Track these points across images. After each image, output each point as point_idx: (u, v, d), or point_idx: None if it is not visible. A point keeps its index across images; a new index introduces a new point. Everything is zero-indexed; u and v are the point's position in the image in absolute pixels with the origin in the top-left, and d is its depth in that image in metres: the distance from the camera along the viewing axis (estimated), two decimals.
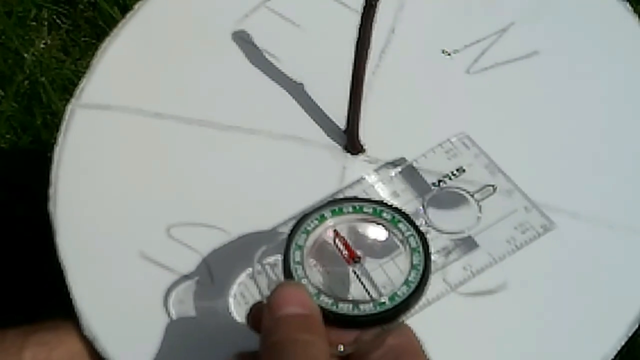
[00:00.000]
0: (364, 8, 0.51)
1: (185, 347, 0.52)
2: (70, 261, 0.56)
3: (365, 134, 0.58)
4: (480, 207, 0.53)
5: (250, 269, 0.49)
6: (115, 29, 0.64)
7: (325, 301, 0.45)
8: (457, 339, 0.52)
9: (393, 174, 0.54)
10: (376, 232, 0.49)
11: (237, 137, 0.59)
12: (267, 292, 0.45)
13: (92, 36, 1.25)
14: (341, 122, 0.58)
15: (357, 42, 0.53)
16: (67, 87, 1.17)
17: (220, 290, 0.52)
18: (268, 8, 0.64)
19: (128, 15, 0.65)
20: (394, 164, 0.56)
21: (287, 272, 0.47)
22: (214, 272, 0.54)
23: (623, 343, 0.52)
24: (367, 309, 0.46)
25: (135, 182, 0.58)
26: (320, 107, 0.59)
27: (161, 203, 0.57)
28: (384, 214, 0.49)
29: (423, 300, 0.47)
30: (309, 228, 0.48)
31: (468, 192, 0.53)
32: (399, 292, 0.46)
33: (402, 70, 0.61)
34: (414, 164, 0.55)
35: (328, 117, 0.59)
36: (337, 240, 0.49)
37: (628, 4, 0.63)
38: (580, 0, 0.64)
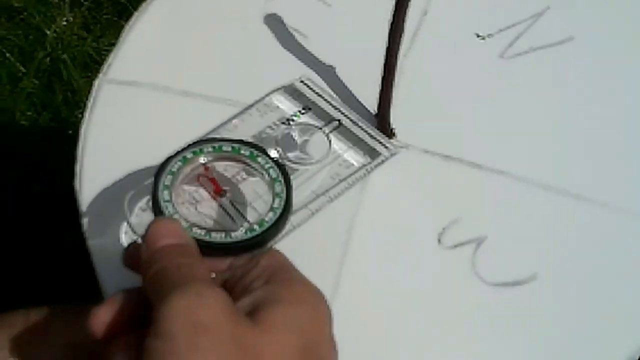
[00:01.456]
0: None
1: None
2: (95, 239, 0.55)
3: (396, 118, 0.56)
4: (330, 140, 0.55)
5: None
6: (143, 4, 0.63)
7: (198, 232, 0.48)
8: (488, 328, 0.51)
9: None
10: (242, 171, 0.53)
11: None
12: (141, 233, 0.47)
13: (113, 14, 1.25)
14: (372, 105, 0.57)
15: (390, 28, 0.52)
16: (89, 64, 1.17)
17: None
18: None
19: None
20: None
21: (158, 211, 0.49)
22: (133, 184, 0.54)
23: None
24: (238, 236, 0.49)
25: (160, 158, 0.57)
26: (351, 90, 0.58)
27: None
28: (242, 151, 0.52)
29: (289, 225, 0.50)
30: (173, 169, 0.51)
31: (317, 127, 0.55)
32: (266, 219, 0.49)
33: (434, 54, 0.60)
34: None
35: (359, 101, 0.58)
36: (201, 178, 0.52)
37: None
38: None
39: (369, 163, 0.53)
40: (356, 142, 0.54)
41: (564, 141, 0.56)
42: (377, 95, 0.56)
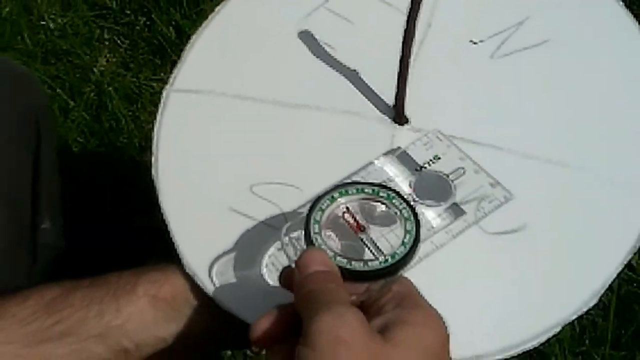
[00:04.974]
0: (411, 4, 0.62)
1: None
2: (171, 216, 0.66)
3: (409, 109, 0.68)
4: (454, 185, 0.64)
5: (278, 243, 0.61)
6: (200, 28, 0.75)
7: (341, 261, 0.56)
8: (489, 268, 0.63)
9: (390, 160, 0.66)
10: (377, 208, 0.61)
11: (305, 113, 0.70)
12: (294, 259, 0.55)
13: (148, 53, 1.37)
14: (389, 99, 0.68)
15: (404, 36, 0.64)
16: (130, 96, 1.28)
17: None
18: (326, 8, 0.75)
19: (210, 17, 0.76)
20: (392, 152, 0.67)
21: (309, 241, 0.57)
22: (288, 218, 0.64)
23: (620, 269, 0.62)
24: (374, 265, 0.57)
25: (221, 151, 0.69)
26: (372, 88, 0.70)
27: (244, 167, 0.67)
28: (381, 193, 0.60)
29: (416, 258, 0.59)
30: (322, 207, 0.59)
31: (444, 174, 0.64)
32: (397, 252, 0.57)
33: (438, 56, 0.72)
34: (407, 151, 0.66)
35: (378, 96, 0.70)
36: (346, 215, 0.59)
37: (622, 4, 0.74)
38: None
39: (485, 208, 0.63)
40: (476, 190, 0.64)
41: (544, 118, 0.68)
42: (394, 91, 0.68)
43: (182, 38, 1.37)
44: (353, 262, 0.57)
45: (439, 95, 0.70)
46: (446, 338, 0.53)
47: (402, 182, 0.64)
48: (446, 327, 0.53)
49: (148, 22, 1.42)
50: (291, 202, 0.65)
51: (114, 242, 1.04)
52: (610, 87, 0.70)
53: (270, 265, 0.63)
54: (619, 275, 0.63)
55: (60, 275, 0.67)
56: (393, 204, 0.60)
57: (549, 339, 0.62)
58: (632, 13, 0.73)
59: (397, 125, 0.69)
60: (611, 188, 0.65)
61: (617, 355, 1.10)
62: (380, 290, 0.56)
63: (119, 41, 1.40)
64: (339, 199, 0.60)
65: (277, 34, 0.74)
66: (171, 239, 0.66)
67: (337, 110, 0.70)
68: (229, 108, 0.71)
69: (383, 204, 0.60)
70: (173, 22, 1.38)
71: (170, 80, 0.73)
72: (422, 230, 0.59)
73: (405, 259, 0.57)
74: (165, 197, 0.67)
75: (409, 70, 0.67)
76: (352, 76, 0.71)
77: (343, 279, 0.55)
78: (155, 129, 0.70)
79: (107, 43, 1.38)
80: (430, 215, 0.63)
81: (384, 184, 0.62)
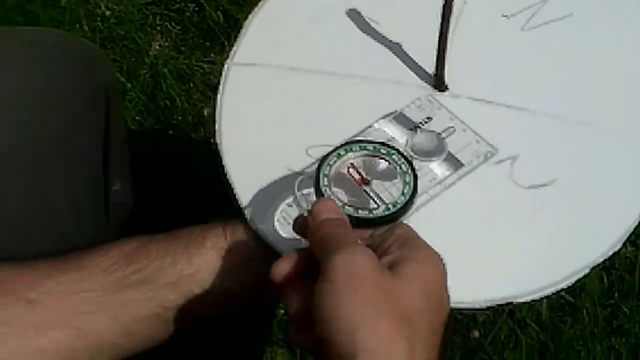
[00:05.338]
0: None
1: None
2: (235, 177, 0.73)
3: (448, 77, 0.75)
4: (445, 142, 0.71)
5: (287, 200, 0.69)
6: (256, 8, 0.82)
7: (349, 210, 0.64)
8: (522, 219, 0.70)
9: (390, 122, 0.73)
10: (381, 163, 0.68)
11: (354, 82, 0.77)
12: (307, 209, 0.63)
13: (198, 37, 1.44)
14: (430, 68, 0.75)
15: (443, 11, 0.71)
16: (183, 77, 1.36)
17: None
18: None
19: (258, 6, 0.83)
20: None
21: (319, 193, 0.65)
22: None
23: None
24: (378, 213, 0.64)
25: (278, 117, 0.76)
26: (414, 59, 0.77)
27: (300, 131, 0.74)
28: (382, 150, 0.67)
29: (413, 207, 0.66)
30: (330, 162, 0.66)
31: (437, 132, 0.72)
32: (398, 201, 0.65)
33: (473, 29, 0.78)
34: (403, 113, 0.73)
35: (420, 66, 0.77)
36: (351, 170, 0.67)
37: None
38: None
39: (476, 162, 0.71)
40: (466, 145, 0.72)
41: (569, 83, 0.75)
42: (434, 61, 0.75)
43: (230, 22, 1.44)
44: (359, 211, 0.64)
45: (475, 64, 0.77)
46: (444, 273, 0.60)
47: (401, 140, 0.71)
48: (444, 264, 0.60)
49: (197, 8, 1.49)
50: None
51: (179, 206, 1.11)
52: (627, 54, 0.77)
53: (282, 219, 0.69)
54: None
55: (131, 232, 0.73)
56: (393, 159, 0.67)
57: (579, 280, 0.68)
58: None
59: (437, 92, 0.75)
60: (631, 143, 0.72)
61: None
62: (384, 235, 0.63)
63: (170, 26, 1.47)
64: (344, 156, 0.67)
65: (327, 12, 0.81)
66: (234, 196, 0.72)
67: (382, 79, 0.77)
68: (284, 79, 0.78)
69: (384, 160, 0.67)
70: (221, 7, 1.46)
71: (231, 54, 0.80)
72: (424, 181, 0.68)
73: (405, 207, 0.65)
74: (228, 162, 0.74)
75: (448, 42, 0.73)
76: (396, 48, 0.78)
77: (351, 226, 0.62)
78: (217, 100, 0.77)
79: (159, 28, 1.45)
80: (431, 167, 0.70)
81: (384, 142, 0.69)
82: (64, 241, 0.79)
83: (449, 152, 0.71)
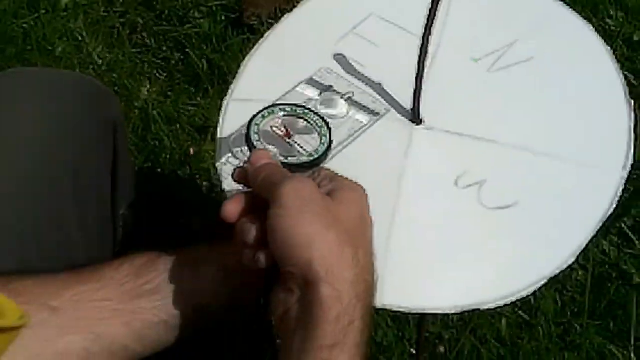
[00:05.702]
0: (424, 30, 0.78)
1: None
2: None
3: (424, 111, 0.85)
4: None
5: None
6: (252, 50, 0.91)
7: (279, 158, 0.75)
8: (489, 236, 0.79)
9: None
10: (301, 122, 0.80)
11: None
12: (244, 159, 0.76)
13: (184, 83, 1.54)
14: (407, 104, 0.85)
15: (420, 51, 0.80)
16: (171, 119, 1.45)
17: None
18: (356, 34, 0.92)
19: (260, 41, 0.92)
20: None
21: (252, 145, 0.76)
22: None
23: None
24: (304, 159, 0.76)
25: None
26: (393, 96, 0.86)
27: None
28: (298, 111, 0.80)
29: (330, 155, 0.78)
30: (257, 122, 0.78)
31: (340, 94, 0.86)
32: (319, 149, 0.77)
33: (446, 71, 0.88)
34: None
35: (398, 102, 0.86)
36: (274, 128, 0.79)
37: (592, 27, 0.91)
38: (559, 25, 0.91)
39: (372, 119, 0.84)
40: (362, 108, 0.85)
41: (530, 117, 0.85)
42: (411, 97, 0.84)
43: (213, 69, 1.53)
44: (289, 158, 0.76)
45: (448, 101, 0.86)
46: (367, 198, 0.72)
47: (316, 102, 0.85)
48: (365, 192, 0.71)
49: (182, 57, 1.58)
50: None
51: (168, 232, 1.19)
52: (578, 91, 0.87)
53: (223, 174, 0.82)
54: (591, 240, 0.79)
55: (135, 249, 0.81)
56: (310, 118, 0.80)
57: (538, 289, 0.77)
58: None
59: (414, 125, 0.85)
60: (582, 172, 0.82)
61: (593, 324, 1.26)
62: (313, 175, 0.74)
63: (157, 74, 1.56)
64: (267, 117, 0.79)
65: (315, 56, 0.90)
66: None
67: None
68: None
69: (302, 119, 0.80)
70: (205, 56, 1.55)
71: (229, 92, 0.89)
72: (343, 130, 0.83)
73: (326, 154, 0.78)
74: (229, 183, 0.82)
75: (423, 81, 0.83)
76: (377, 87, 0.87)
77: None
78: (218, 130, 0.86)
79: (148, 75, 1.54)
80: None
81: (302, 104, 0.82)
82: (75, 257, 0.88)
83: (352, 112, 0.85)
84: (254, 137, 0.77)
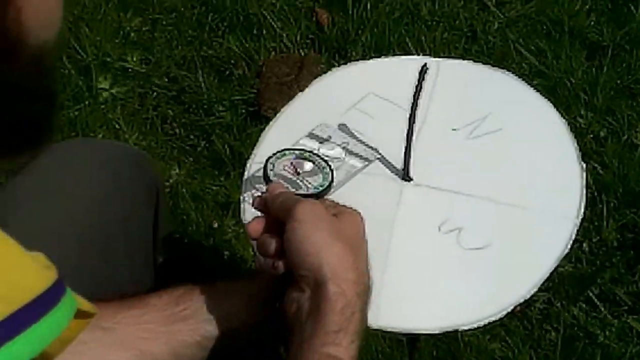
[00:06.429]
0: (412, 103, 0.95)
1: None
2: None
3: (413, 171, 1.01)
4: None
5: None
6: (264, 131, 1.07)
7: (291, 189, 0.90)
8: (465, 271, 0.94)
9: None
10: (307, 164, 0.95)
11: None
12: (263, 191, 0.90)
13: (208, 166, 1.70)
14: (399, 164, 1.01)
15: (409, 119, 0.97)
16: (196, 197, 1.62)
17: None
18: (357, 109, 1.08)
19: (271, 122, 1.09)
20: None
21: (269, 180, 0.91)
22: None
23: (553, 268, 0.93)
24: (310, 191, 0.91)
25: None
26: (388, 158, 1.02)
27: None
28: (306, 154, 0.95)
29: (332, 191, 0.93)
30: (273, 162, 0.93)
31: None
32: (323, 184, 0.92)
33: (431, 138, 1.04)
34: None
35: (392, 164, 1.02)
36: (286, 167, 0.93)
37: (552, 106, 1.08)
38: (524, 103, 1.08)
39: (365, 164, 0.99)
40: (356, 155, 1.01)
41: (501, 176, 1.01)
42: (402, 159, 1.00)
43: (234, 154, 1.69)
44: (299, 190, 0.90)
45: (432, 162, 1.02)
46: (364, 221, 0.86)
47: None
48: (362, 218, 0.86)
49: (207, 144, 1.75)
50: None
51: None
52: (538, 156, 1.03)
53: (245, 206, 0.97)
54: (551, 274, 0.94)
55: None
56: (314, 159, 0.94)
57: (505, 316, 0.92)
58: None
59: (404, 182, 1.01)
60: (543, 220, 0.97)
61: None
62: (319, 201, 0.88)
63: (185, 159, 1.73)
64: (281, 158, 0.93)
65: (322, 125, 1.07)
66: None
67: (364, 173, 1.02)
68: None
69: (309, 161, 0.94)
70: (227, 144, 1.72)
71: (247, 167, 1.04)
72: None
73: (329, 188, 0.92)
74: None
75: (412, 146, 0.99)
76: (375, 151, 1.04)
77: None
78: (242, 189, 1.02)
79: (177, 159, 1.72)
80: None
81: (310, 150, 0.97)
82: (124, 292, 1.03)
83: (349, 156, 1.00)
84: (270, 173, 0.92)
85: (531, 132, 1.06)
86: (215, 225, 1.62)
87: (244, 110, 1.80)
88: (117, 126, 1.76)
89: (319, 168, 0.94)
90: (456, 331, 0.92)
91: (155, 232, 1.13)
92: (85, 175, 1.07)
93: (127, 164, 1.11)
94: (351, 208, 0.87)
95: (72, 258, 0.95)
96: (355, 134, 1.05)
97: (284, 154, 0.95)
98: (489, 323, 0.91)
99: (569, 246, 0.95)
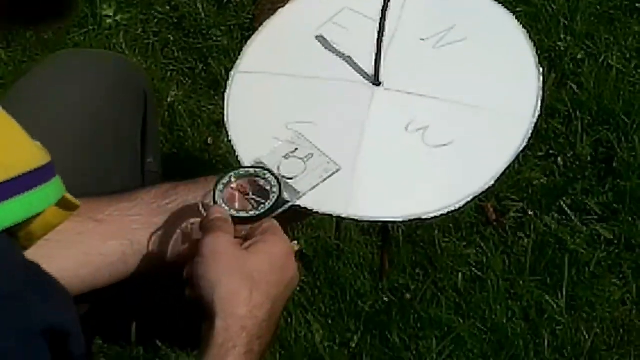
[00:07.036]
0: (382, 11, 1.01)
1: None
2: (238, 143, 1.04)
3: (382, 76, 1.07)
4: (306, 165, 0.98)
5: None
6: (256, 32, 1.14)
7: (232, 213, 0.90)
8: (429, 164, 1.01)
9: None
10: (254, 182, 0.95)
11: (317, 81, 1.08)
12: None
13: (205, 87, 1.77)
14: (370, 71, 1.07)
15: (378, 33, 1.03)
16: (193, 115, 1.68)
17: None
18: (333, 22, 1.14)
19: (260, 28, 1.15)
20: None
21: (215, 202, 0.91)
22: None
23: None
24: (252, 214, 0.90)
25: (269, 104, 1.07)
26: (360, 65, 1.09)
27: (283, 113, 1.06)
28: (257, 172, 0.94)
29: (280, 210, 0.92)
30: (223, 182, 0.93)
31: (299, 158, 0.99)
32: (266, 205, 0.91)
33: (401, 47, 1.10)
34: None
35: (364, 70, 1.08)
36: (234, 187, 0.94)
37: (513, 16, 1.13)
38: (488, 14, 1.14)
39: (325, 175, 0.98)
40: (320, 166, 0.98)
41: (463, 79, 1.07)
42: (373, 65, 1.06)
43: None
44: (240, 212, 0.90)
45: (402, 69, 1.09)
46: (291, 252, 0.87)
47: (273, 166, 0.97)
48: (292, 246, 0.88)
49: (204, 67, 1.81)
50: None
51: None
52: (499, 62, 1.10)
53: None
54: (507, 168, 1.00)
55: None
56: (265, 178, 0.94)
57: (467, 204, 0.98)
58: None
59: (374, 86, 1.07)
60: (504, 117, 1.04)
61: (533, 279, 1.47)
62: (255, 226, 0.90)
63: (183, 80, 1.80)
64: (232, 178, 0.94)
65: (302, 38, 1.13)
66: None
67: (337, 79, 1.08)
68: (274, 81, 1.10)
69: (261, 178, 0.94)
70: (223, 65, 1.78)
71: (236, 65, 1.11)
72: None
73: (272, 209, 0.91)
74: (233, 131, 1.05)
75: (383, 54, 1.05)
76: (348, 60, 1.10)
77: (235, 224, 0.89)
78: (225, 101, 1.08)
79: (175, 80, 1.78)
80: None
81: (259, 166, 0.95)
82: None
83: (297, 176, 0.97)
84: (217, 195, 0.92)
85: (493, 42, 1.12)
86: (210, 141, 1.68)
87: (240, 35, 1.86)
88: (119, 50, 1.82)
89: (270, 186, 0.93)
90: (419, 219, 0.99)
91: (144, 135, 1.20)
92: (78, 81, 1.14)
93: (116, 70, 1.19)
94: (279, 239, 0.88)
95: (66, 160, 1.00)
96: (332, 45, 1.10)
97: (236, 174, 0.95)
98: (449, 212, 0.98)
99: (525, 142, 1.01)
